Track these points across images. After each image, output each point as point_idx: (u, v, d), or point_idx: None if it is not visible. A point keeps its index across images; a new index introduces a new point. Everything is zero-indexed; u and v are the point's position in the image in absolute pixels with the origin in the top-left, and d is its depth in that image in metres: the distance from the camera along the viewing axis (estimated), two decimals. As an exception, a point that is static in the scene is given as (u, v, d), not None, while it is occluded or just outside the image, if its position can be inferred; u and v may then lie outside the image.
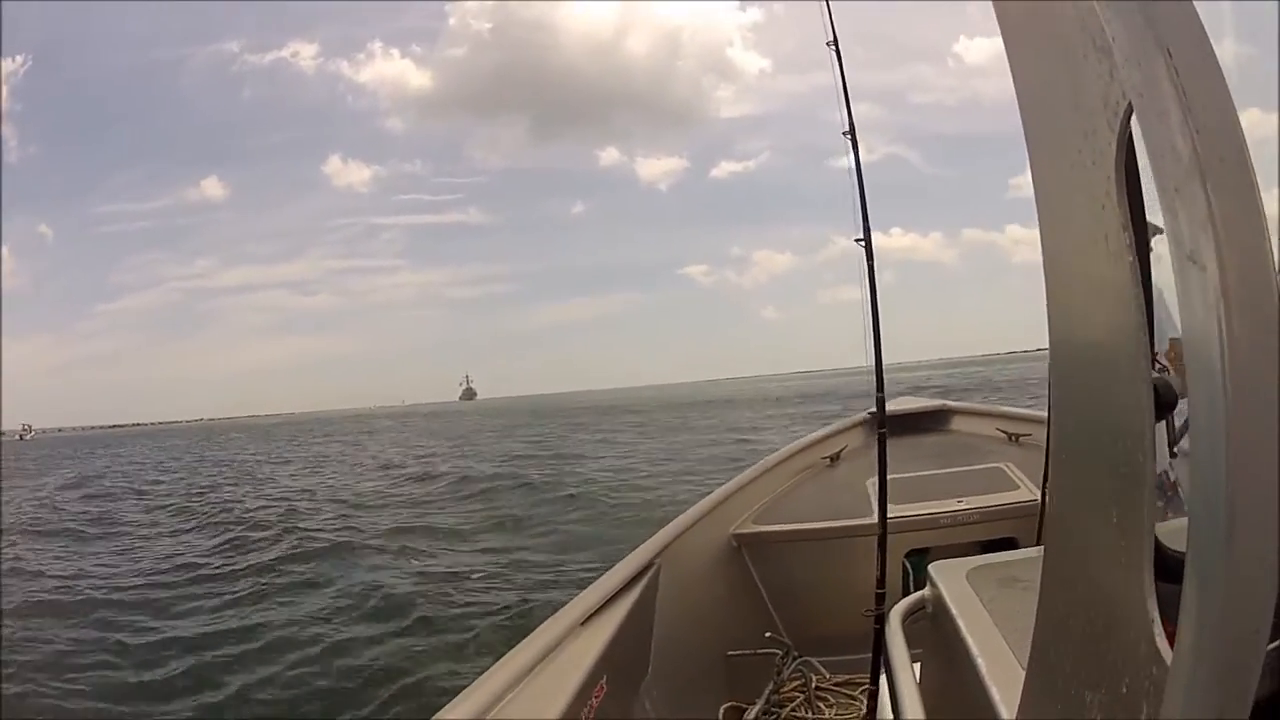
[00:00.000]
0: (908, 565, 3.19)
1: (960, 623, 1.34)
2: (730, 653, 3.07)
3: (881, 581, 2.57)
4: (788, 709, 2.98)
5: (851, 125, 2.79)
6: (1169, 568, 0.58)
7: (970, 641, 1.27)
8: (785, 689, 3.04)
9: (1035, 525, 2.84)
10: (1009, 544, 3.08)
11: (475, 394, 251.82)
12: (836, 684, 3.11)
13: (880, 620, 2.30)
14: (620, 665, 2.23)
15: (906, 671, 1.35)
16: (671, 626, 2.75)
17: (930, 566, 1.60)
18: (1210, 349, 0.47)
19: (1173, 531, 0.60)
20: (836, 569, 3.32)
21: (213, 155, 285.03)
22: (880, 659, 2.20)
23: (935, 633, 1.48)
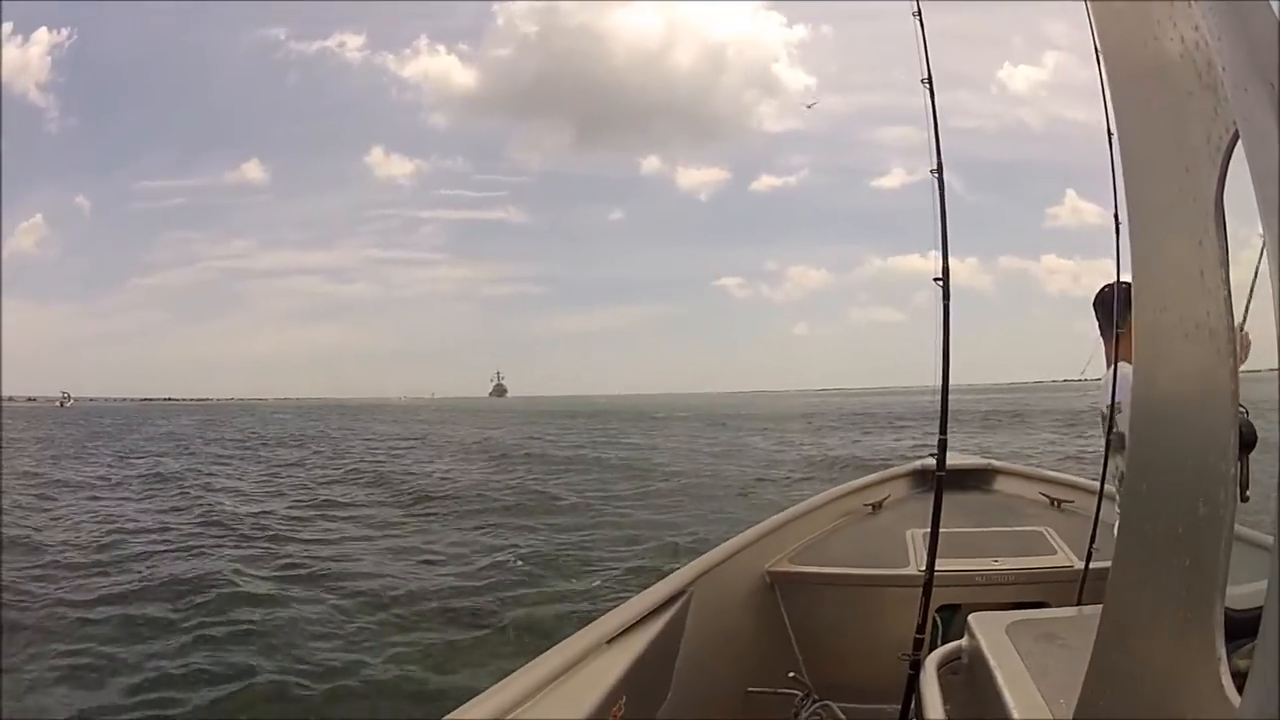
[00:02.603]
0: (938, 619, 3.18)
1: (997, 675, 1.32)
2: (751, 689, 3.05)
3: (921, 628, 2.48)
4: None
5: (940, 164, 2.63)
6: (1226, 625, 0.58)
7: (1006, 694, 1.25)
8: None
9: (1070, 591, 2.86)
10: (1042, 608, 2.99)
11: (506, 391, 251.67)
12: None
13: (915, 666, 2.27)
14: (641, 687, 2.21)
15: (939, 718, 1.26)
16: (696, 655, 2.74)
17: (970, 617, 1.59)
18: None
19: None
20: (867, 616, 3.30)
21: (254, 139, 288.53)
22: (910, 704, 2.16)
23: (970, 683, 1.46)
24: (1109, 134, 2.00)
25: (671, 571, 2.99)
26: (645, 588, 2.77)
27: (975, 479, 4.60)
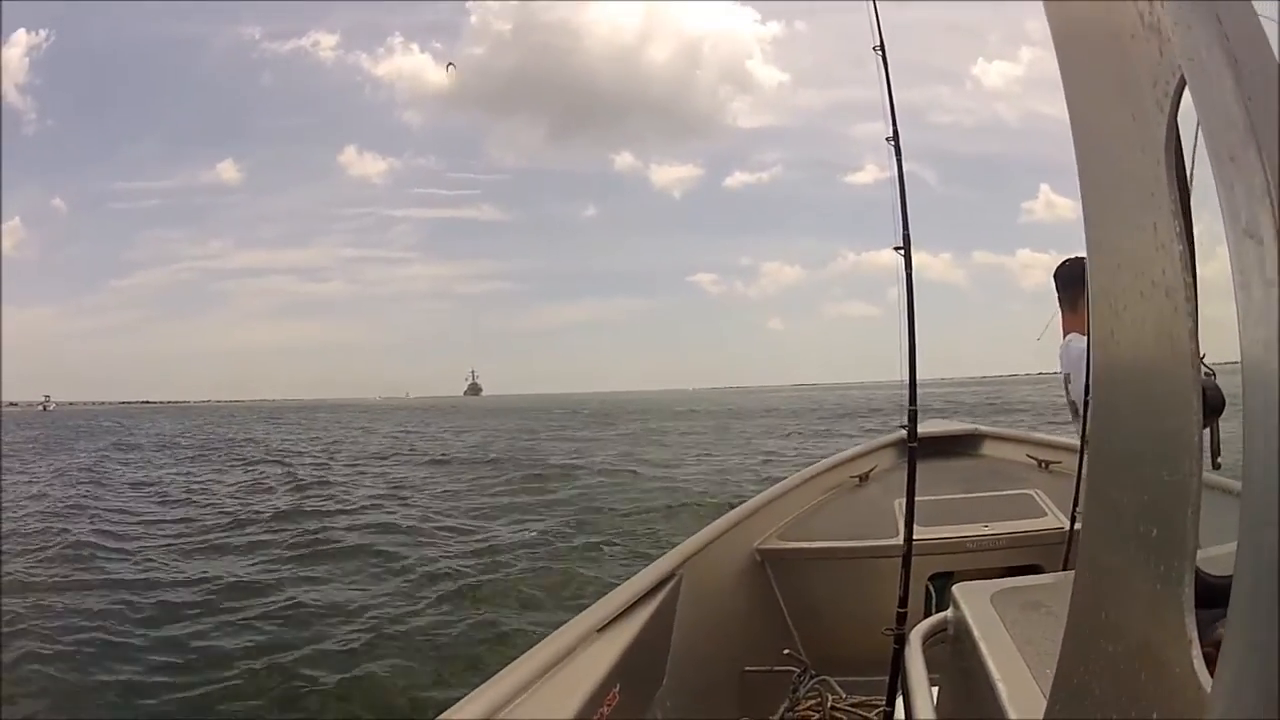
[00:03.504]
0: (931, 588, 3.19)
1: (982, 646, 1.31)
2: (747, 668, 3.03)
3: (904, 601, 2.47)
4: None
5: (895, 131, 2.68)
6: (1199, 591, 0.57)
7: (991, 665, 1.24)
8: (800, 707, 2.98)
9: (1061, 554, 2.83)
10: (1033, 571, 3.02)
11: (481, 390, 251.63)
12: (852, 705, 3.05)
13: (900, 640, 2.26)
14: (634, 674, 2.21)
15: (924, 693, 1.31)
16: (689, 638, 2.72)
17: (954, 588, 1.56)
18: (1269, 333, 0.43)
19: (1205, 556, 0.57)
20: (859, 589, 3.30)
21: (228, 138, 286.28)
22: (898, 680, 2.17)
23: (956, 655, 1.45)
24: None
25: (660, 556, 2.96)
26: (634, 574, 2.75)
27: (961, 445, 4.61)
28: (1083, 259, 2.39)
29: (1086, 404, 2.30)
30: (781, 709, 2.93)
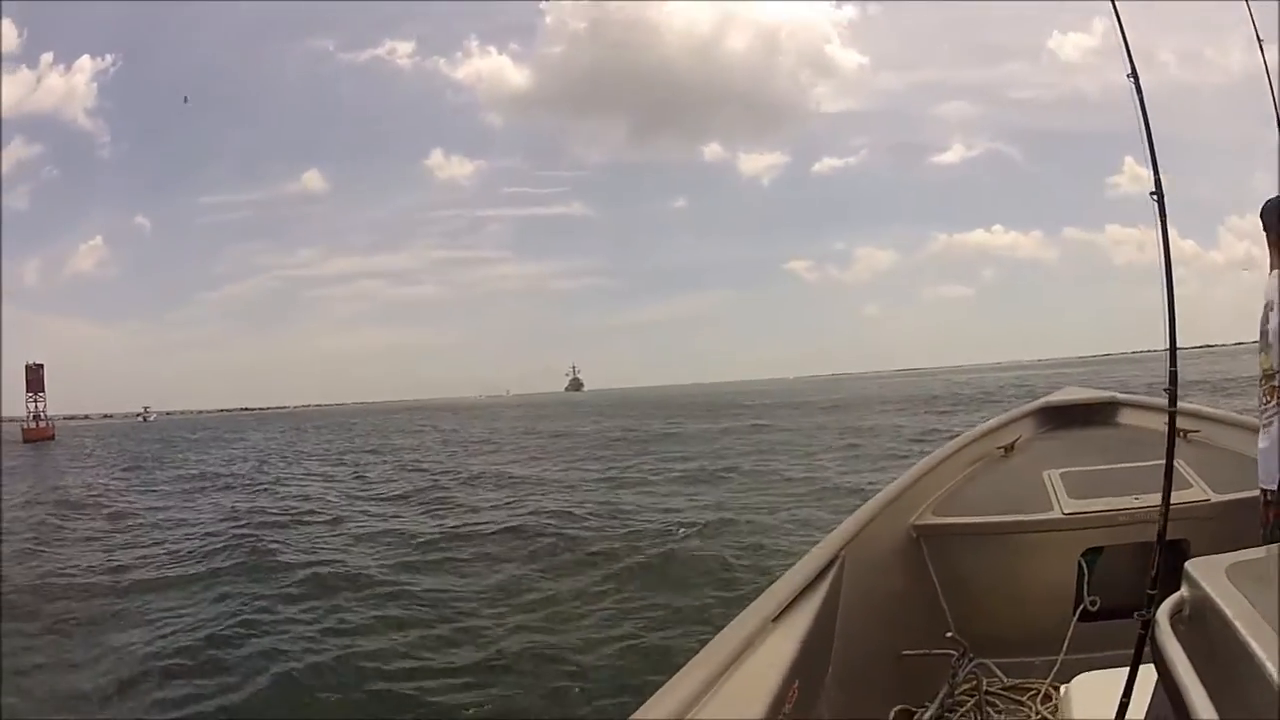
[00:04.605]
0: (1084, 564, 3.13)
1: (1238, 624, 1.23)
2: (905, 651, 2.96)
3: (1155, 582, 2.16)
4: (959, 713, 2.86)
5: (1133, 67, 2.37)
6: None
7: (1251, 642, 1.16)
8: (959, 692, 2.90)
9: (1209, 529, 2.82)
10: (1179, 546, 2.85)
11: (582, 385, 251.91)
12: (1009, 688, 2.99)
13: (1147, 625, 2.04)
14: (809, 665, 2.20)
15: (1192, 678, 1.20)
16: (852, 624, 2.69)
17: (1188, 565, 1.49)
18: None
19: None
20: (1015, 565, 3.29)
21: (312, 150, 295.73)
22: (1138, 665, 2.04)
23: (1199, 636, 1.36)
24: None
25: (824, 535, 2.98)
26: (801, 556, 2.76)
27: (1099, 414, 4.50)
28: None
29: None
30: (940, 695, 2.81)
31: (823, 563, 2.66)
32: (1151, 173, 2.39)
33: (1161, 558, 2.23)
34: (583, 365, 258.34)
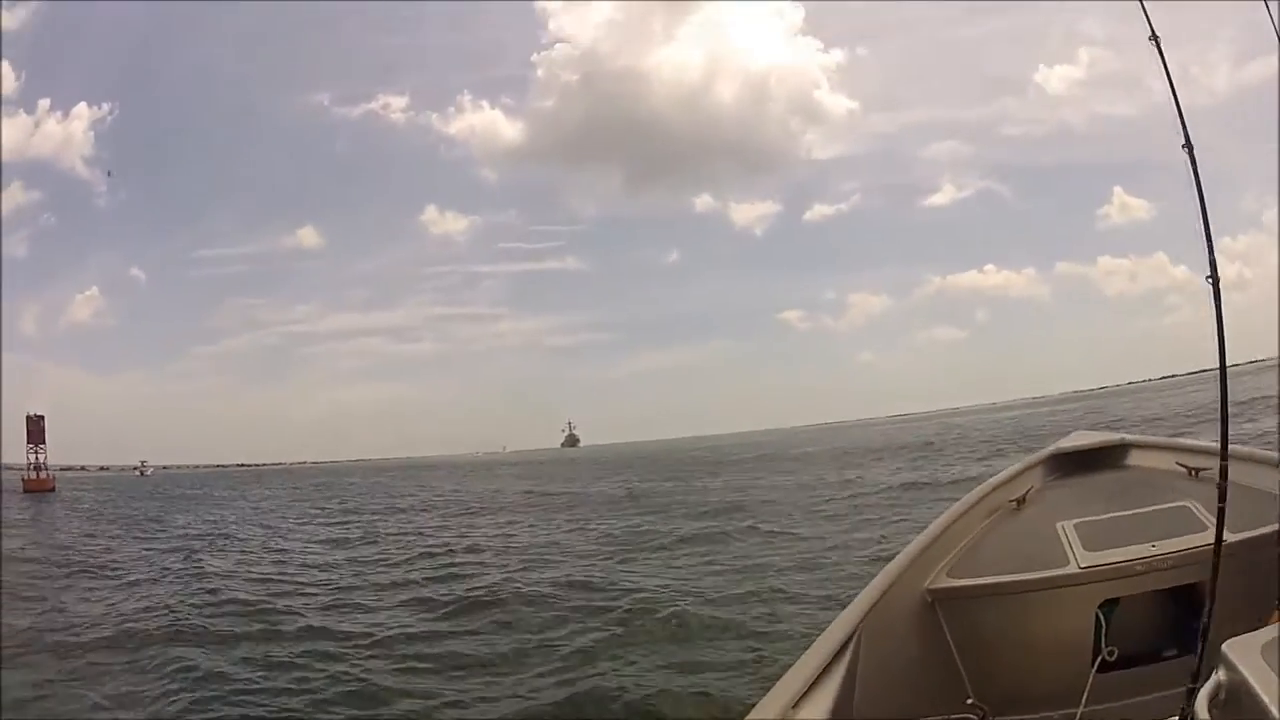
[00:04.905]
0: (1101, 617, 3.06)
1: (1274, 711, 1.21)
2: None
3: (1197, 675, 1.96)
4: None
5: (1187, 137, 2.34)
6: None
7: None
8: None
9: (1226, 569, 2.69)
10: (1193, 590, 2.94)
11: (579, 440, 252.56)
12: None
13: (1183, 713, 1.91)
14: None
15: None
16: (871, 700, 2.68)
17: (1225, 646, 1.46)
18: None
19: None
20: (1032, 623, 3.25)
21: (307, 205, 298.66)
22: None
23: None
24: None
25: (842, 597, 2.89)
26: (817, 636, 2.78)
27: (1109, 457, 4.45)
28: None
29: None
30: None
31: (839, 641, 2.68)
32: (1199, 207, 2.31)
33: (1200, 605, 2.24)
34: (579, 420, 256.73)
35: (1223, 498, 2.37)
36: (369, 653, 8.24)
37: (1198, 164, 2.29)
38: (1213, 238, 2.27)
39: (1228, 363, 2.30)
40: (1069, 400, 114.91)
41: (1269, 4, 2.68)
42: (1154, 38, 2.50)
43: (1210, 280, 2.28)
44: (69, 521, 30.21)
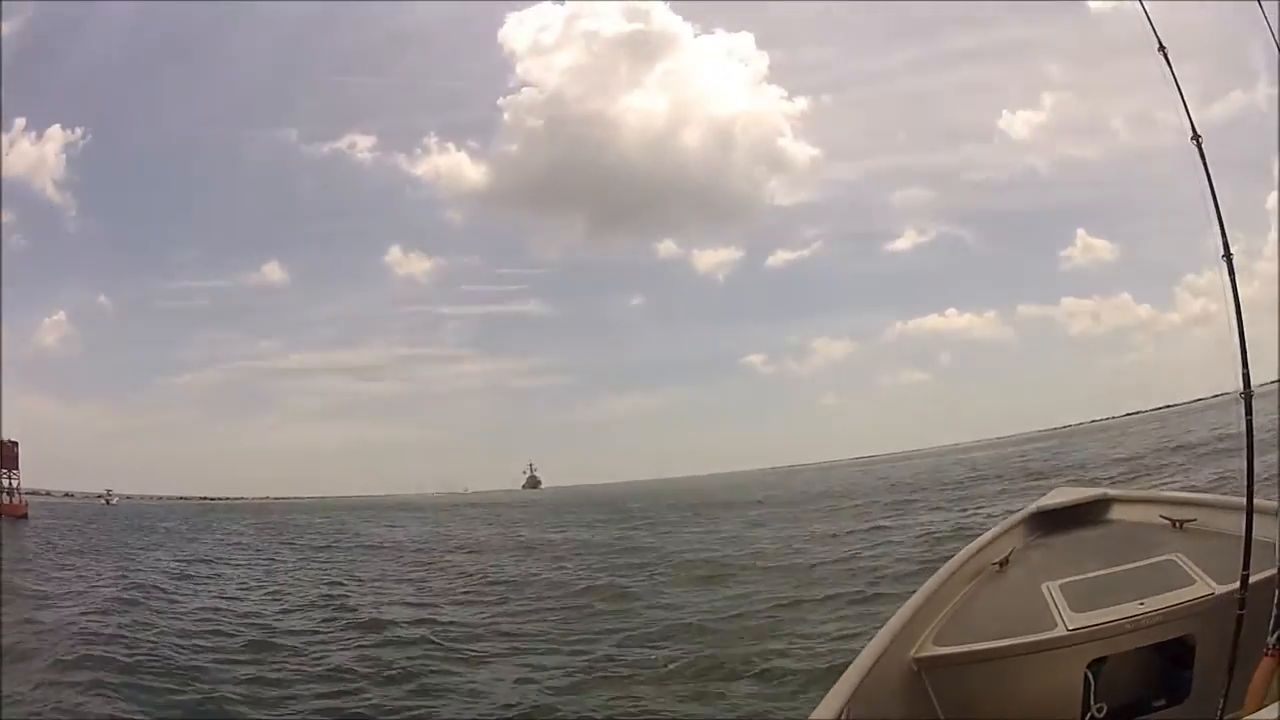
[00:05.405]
0: (1090, 676, 3.05)
1: None
2: None
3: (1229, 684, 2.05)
4: None
5: (1195, 132, 2.57)
6: None
7: None
8: None
9: (1213, 622, 2.79)
10: (1183, 643, 2.94)
11: (539, 482, 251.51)
12: None
13: None
14: None
15: None
16: None
17: None
18: None
19: None
20: (1020, 688, 3.18)
21: (273, 240, 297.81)
22: None
23: None
24: None
25: (828, 693, 2.89)
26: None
27: (1091, 513, 4.44)
28: None
29: None
30: None
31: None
32: (1220, 237, 2.56)
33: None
34: (540, 462, 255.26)
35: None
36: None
37: (1205, 155, 2.65)
38: (1224, 223, 2.55)
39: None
40: (1036, 439, 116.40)
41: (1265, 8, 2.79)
42: (1162, 49, 2.86)
43: (1225, 259, 2.58)
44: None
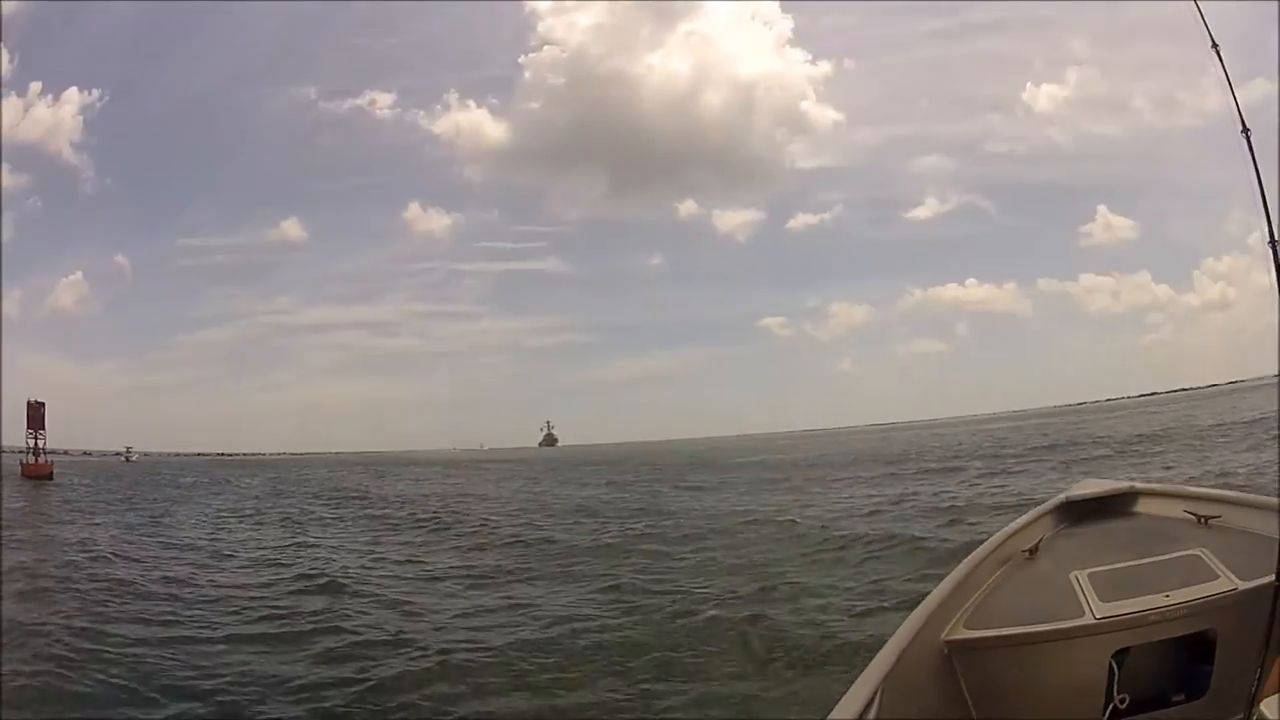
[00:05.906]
0: (1114, 666, 3.09)
1: None
2: None
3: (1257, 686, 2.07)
4: None
5: (1243, 123, 2.59)
6: None
7: None
8: None
9: (1236, 617, 2.82)
10: (1206, 638, 2.98)
11: (556, 440, 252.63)
12: None
13: None
14: None
15: None
16: None
17: (1263, 705, 1.49)
18: None
19: None
20: (1048, 675, 3.25)
21: (291, 197, 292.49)
22: None
23: None
24: None
25: (862, 672, 2.97)
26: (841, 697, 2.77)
27: (1118, 505, 4.53)
28: None
29: None
30: None
31: (865, 698, 2.70)
32: (1266, 226, 2.57)
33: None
34: (557, 420, 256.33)
35: None
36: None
37: (1253, 146, 2.65)
38: (1269, 209, 2.56)
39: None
40: (1049, 414, 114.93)
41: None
42: (1215, 46, 2.87)
43: (1270, 245, 2.54)
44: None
